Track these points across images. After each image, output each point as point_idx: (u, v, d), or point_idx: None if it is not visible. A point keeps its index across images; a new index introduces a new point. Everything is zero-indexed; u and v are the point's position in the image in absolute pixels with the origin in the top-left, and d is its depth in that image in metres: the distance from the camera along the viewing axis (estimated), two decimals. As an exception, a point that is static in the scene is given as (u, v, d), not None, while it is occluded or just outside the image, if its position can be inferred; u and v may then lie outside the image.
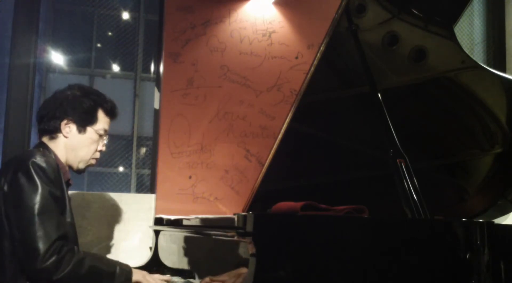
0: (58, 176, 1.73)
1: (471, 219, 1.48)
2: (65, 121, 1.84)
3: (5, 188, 1.66)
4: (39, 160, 1.67)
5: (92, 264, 1.67)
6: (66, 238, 1.67)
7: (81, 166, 1.91)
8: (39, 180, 1.63)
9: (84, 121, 1.87)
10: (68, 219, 1.77)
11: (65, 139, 1.86)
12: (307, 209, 1.51)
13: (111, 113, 1.97)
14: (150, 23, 3.52)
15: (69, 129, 1.85)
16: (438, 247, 1.42)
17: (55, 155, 1.82)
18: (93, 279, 1.68)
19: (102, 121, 1.92)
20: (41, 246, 1.56)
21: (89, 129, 1.88)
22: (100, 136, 1.92)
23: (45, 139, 1.87)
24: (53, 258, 1.57)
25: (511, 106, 2.26)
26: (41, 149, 1.80)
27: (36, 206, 1.60)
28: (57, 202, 1.68)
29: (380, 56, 2.11)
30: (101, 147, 1.95)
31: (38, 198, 1.61)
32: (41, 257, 1.55)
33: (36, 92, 3.07)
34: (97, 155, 1.95)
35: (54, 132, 1.85)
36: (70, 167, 1.91)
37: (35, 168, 1.64)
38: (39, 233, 1.57)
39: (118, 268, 1.75)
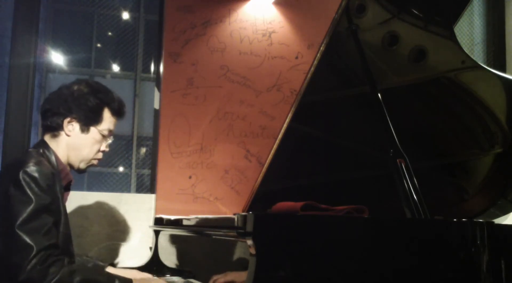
0: (53, 185, 1.64)
1: (471, 219, 1.48)
2: (68, 119, 1.76)
3: None
4: (32, 169, 1.57)
5: (86, 276, 1.57)
6: (56, 248, 1.57)
7: (82, 166, 1.83)
8: (30, 191, 1.55)
9: (88, 121, 1.78)
10: (62, 230, 1.67)
11: (67, 137, 1.78)
12: (307, 209, 1.51)
13: (118, 113, 1.87)
14: (150, 23, 3.52)
15: (71, 127, 1.77)
16: (438, 247, 1.42)
17: (56, 156, 1.75)
18: None
19: (107, 121, 1.83)
20: (24, 256, 1.47)
21: (92, 129, 1.80)
22: (104, 136, 1.83)
23: (47, 137, 1.79)
24: (37, 268, 1.47)
25: (511, 106, 2.26)
26: (40, 151, 1.73)
27: (23, 218, 1.51)
28: (48, 212, 1.58)
29: (380, 56, 2.10)
30: (104, 147, 1.87)
31: (26, 210, 1.52)
32: (24, 268, 1.46)
33: (36, 92, 3.07)
34: (100, 155, 1.86)
35: (56, 129, 1.77)
36: (71, 166, 1.83)
37: (25, 179, 1.55)
38: (23, 243, 1.48)
39: (117, 281, 1.63)
